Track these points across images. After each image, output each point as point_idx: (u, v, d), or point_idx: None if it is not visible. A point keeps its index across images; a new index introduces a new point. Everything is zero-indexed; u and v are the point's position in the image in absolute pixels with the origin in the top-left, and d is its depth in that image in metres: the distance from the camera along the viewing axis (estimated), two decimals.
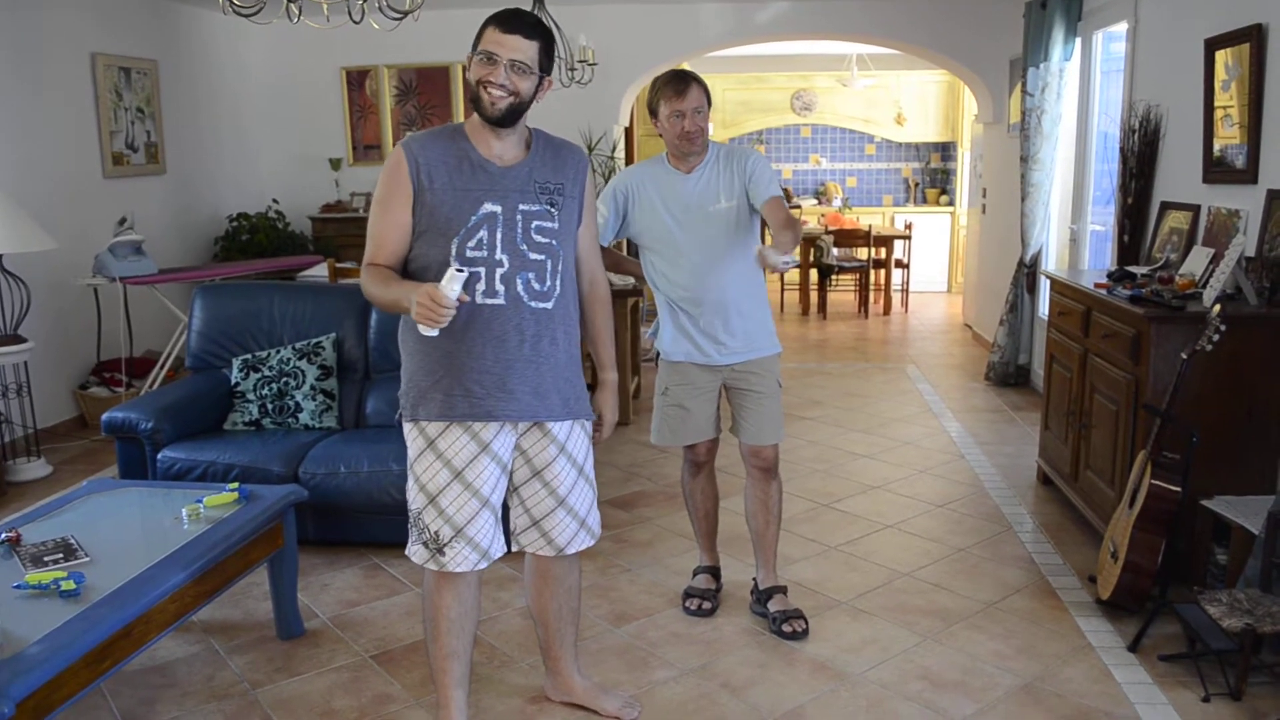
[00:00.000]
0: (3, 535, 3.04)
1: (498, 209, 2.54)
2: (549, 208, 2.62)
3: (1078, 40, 6.06)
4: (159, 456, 4.12)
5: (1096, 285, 4.18)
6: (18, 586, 2.71)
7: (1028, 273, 6.65)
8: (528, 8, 6.30)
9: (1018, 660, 3.25)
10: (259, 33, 8.29)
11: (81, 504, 3.40)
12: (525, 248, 2.57)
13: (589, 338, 2.90)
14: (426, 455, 2.59)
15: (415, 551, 2.65)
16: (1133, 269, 4.32)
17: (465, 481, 2.58)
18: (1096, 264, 5.92)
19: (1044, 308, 6.29)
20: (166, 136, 7.32)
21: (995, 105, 7.95)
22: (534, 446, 2.69)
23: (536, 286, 2.60)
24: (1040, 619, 3.52)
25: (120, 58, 6.78)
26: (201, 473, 4.03)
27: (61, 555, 2.91)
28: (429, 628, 2.75)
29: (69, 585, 2.68)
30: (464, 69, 2.64)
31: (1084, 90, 6.09)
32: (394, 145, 8.53)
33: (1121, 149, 5.07)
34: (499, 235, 2.54)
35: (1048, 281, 5.16)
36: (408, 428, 2.64)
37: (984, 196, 8.50)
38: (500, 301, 2.55)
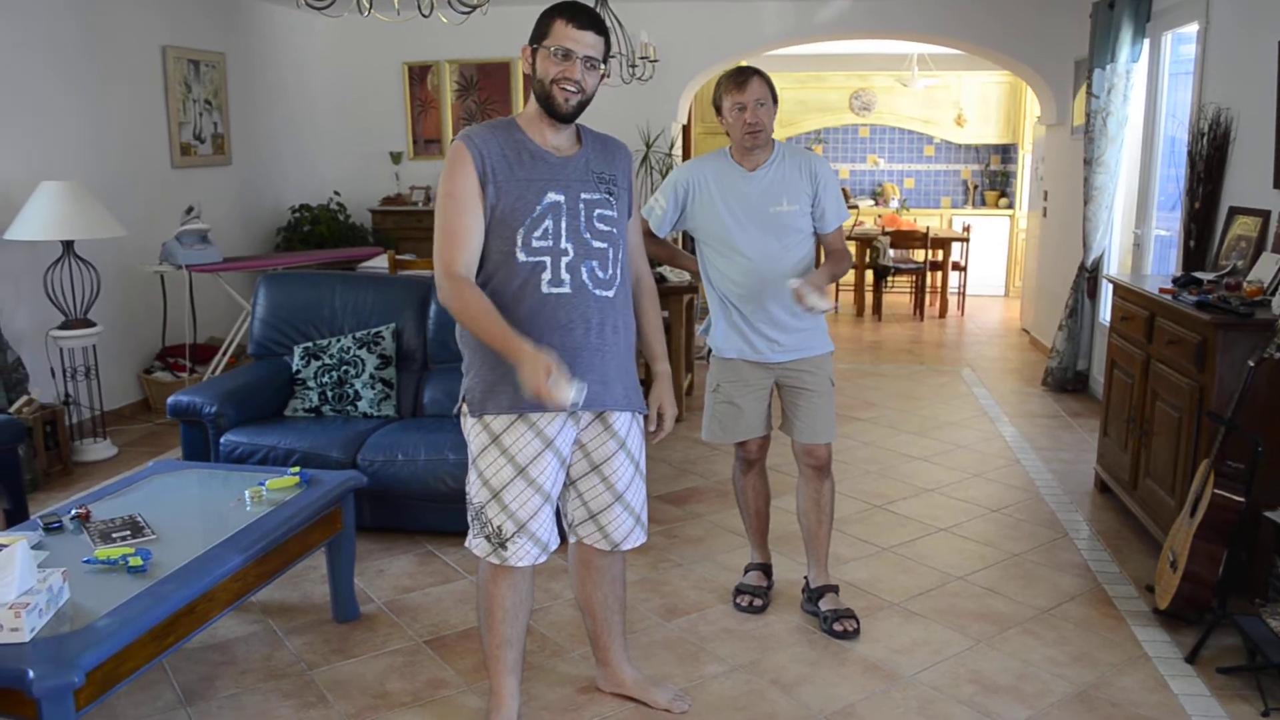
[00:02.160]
0: (73, 512, 3.13)
1: (561, 198, 2.56)
2: (608, 196, 2.64)
3: (1146, 41, 5.96)
4: (221, 440, 4.20)
5: (1161, 291, 4.12)
6: (87, 561, 2.78)
7: (1089, 277, 6.56)
8: (589, 2, 6.35)
9: (1072, 668, 3.21)
10: (323, 27, 8.42)
11: (148, 484, 3.48)
12: (589, 236, 2.59)
13: (640, 330, 2.89)
14: (490, 451, 2.60)
15: (477, 545, 2.67)
16: (1199, 275, 4.24)
17: (529, 478, 2.59)
18: (1160, 269, 5.82)
19: (1105, 313, 6.20)
20: (232, 128, 7.46)
21: (1059, 107, 7.84)
22: (594, 441, 2.71)
23: (600, 274, 2.61)
24: (1096, 627, 3.48)
25: (189, 50, 6.92)
26: (262, 457, 4.11)
27: (129, 532, 2.98)
28: (484, 616, 2.78)
29: (136, 562, 2.75)
30: (523, 60, 2.59)
31: (1151, 92, 5.98)
32: (453, 140, 8.65)
33: (1189, 152, 4.99)
34: (564, 224, 2.55)
35: (1110, 286, 5.09)
36: (471, 423, 2.64)
37: (1045, 199, 8.39)
38: (567, 290, 2.56)
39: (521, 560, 2.63)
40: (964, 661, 3.26)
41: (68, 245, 5.32)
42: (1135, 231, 6.14)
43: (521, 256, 2.53)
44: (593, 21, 2.54)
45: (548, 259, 2.54)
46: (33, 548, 2.65)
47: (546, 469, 2.61)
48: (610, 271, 2.64)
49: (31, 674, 2.23)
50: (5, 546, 2.58)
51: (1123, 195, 6.42)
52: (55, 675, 2.24)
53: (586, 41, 2.51)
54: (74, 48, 5.86)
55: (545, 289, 2.55)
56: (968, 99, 11.50)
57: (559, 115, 2.54)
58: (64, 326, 5.37)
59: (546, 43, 2.51)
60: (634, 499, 2.79)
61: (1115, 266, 6.54)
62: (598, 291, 2.61)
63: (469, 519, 2.70)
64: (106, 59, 6.14)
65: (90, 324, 5.44)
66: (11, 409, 4.96)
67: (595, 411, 2.68)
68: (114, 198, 5.89)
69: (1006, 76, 11.02)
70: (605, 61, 2.58)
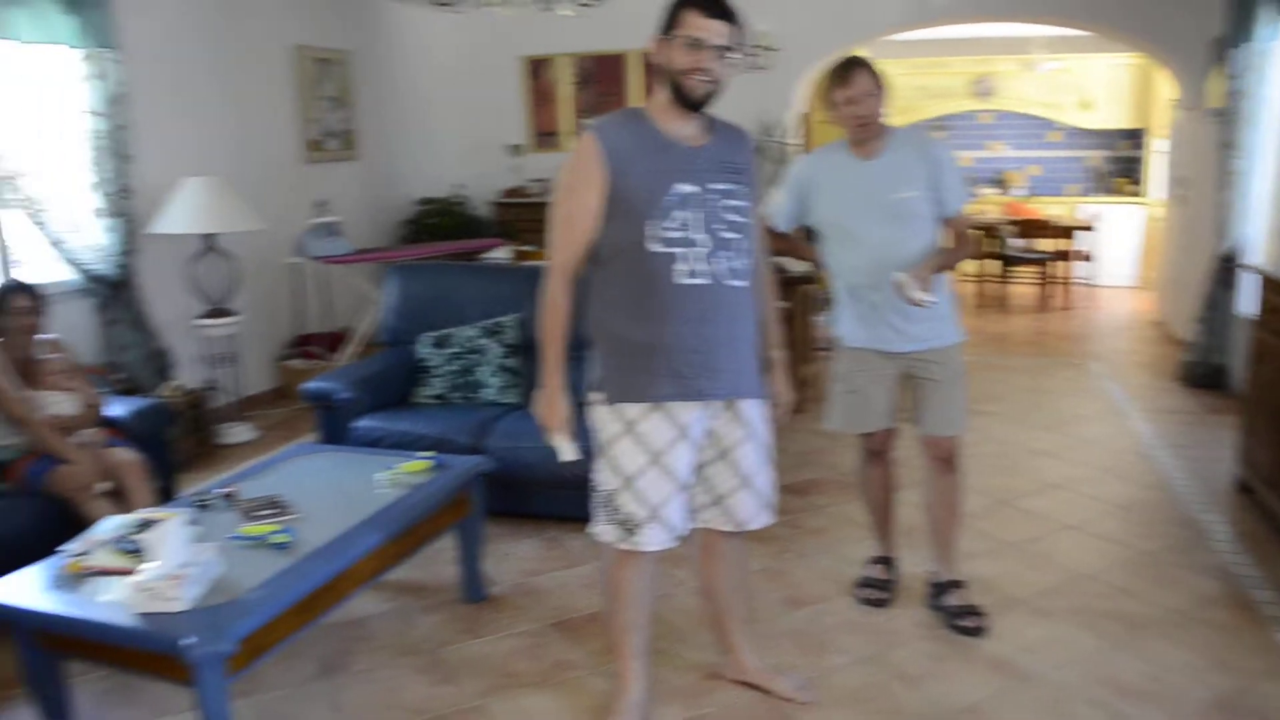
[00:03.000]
0: (221, 491, 3.29)
1: (692, 189, 2.56)
2: (737, 185, 2.64)
3: None
4: (354, 425, 4.36)
5: None
6: (235, 537, 2.93)
7: (1227, 267, 6.29)
8: None
9: (1212, 673, 3.10)
10: (445, 24, 8.59)
11: (288, 465, 3.64)
12: (720, 227, 2.59)
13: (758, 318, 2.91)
14: (624, 440, 2.63)
15: (606, 531, 2.70)
16: None
17: (662, 465, 2.62)
18: None
19: (1246, 304, 5.94)
20: (360, 125, 7.68)
21: (1193, 89, 7.52)
22: (725, 428, 2.73)
23: (733, 265, 2.62)
24: (1237, 632, 3.35)
25: (319, 50, 7.16)
26: (393, 442, 4.24)
27: (273, 511, 3.13)
28: (610, 601, 2.82)
29: (281, 539, 2.89)
30: (651, 51, 2.60)
31: None
32: (575, 132, 8.78)
33: None
34: (695, 215, 2.56)
35: (1251, 277, 4.87)
36: (602, 411, 2.67)
37: (1179, 186, 8.07)
38: (701, 281, 2.57)
39: (651, 545, 2.67)
40: (1095, 662, 3.18)
41: (209, 238, 5.57)
42: (1277, 218, 5.86)
43: (652, 247, 2.55)
44: (723, 9, 2.53)
45: (680, 250, 2.55)
46: (185, 524, 2.80)
47: (680, 457, 2.64)
48: (742, 262, 2.64)
49: (188, 641, 2.36)
50: (162, 522, 2.74)
51: (1265, 180, 6.13)
52: (210, 643, 2.38)
53: (718, 30, 2.50)
54: (212, 50, 6.12)
55: (679, 280, 2.56)
56: (1094, 82, 11.10)
57: (691, 104, 2.55)
58: (206, 315, 5.63)
59: (677, 33, 2.51)
60: (762, 483, 2.81)
61: (1256, 256, 6.26)
62: (730, 282, 2.62)
63: (594, 506, 2.73)
64: (242, 60, 6.40)
65: (230, 313, 5.69)
66: (160, 393, 5.22)
67: (726, 401, 2.69)
68: (250, 192, 6.12)
69: (1135, 58, 10.60)
70: (735, 49, 2.57)
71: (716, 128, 2.69)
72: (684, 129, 2.61)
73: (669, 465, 2.63)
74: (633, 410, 2.61)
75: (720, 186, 2.60)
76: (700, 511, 2.85)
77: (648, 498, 2.64)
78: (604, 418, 2.67)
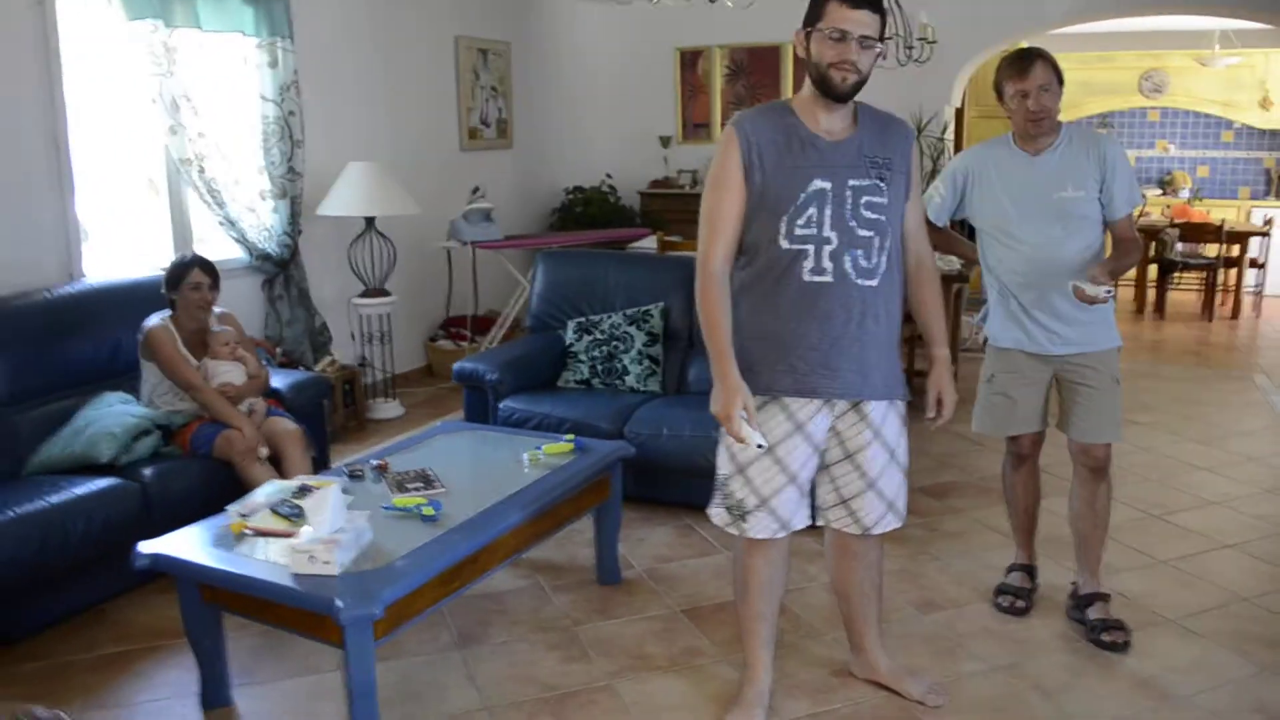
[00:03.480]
0: (373, 462, 3.44)
1: (827, 185, 2.54)
2: (879, 182, 2.59)
3: None
4: (500, 405, 4.49)
5: None
6: (386, 508, 3.06)
7: None
8: None
9: None
10: (602, 15, 8.70)
11: (436, 441, 3.78)
12: (854, 224, 2.56)
13: (920, 315, 2.86)
14: (743, 426, 2.59)
15: (717, 514, 2.77)
16: None
17: (776, 457, 2.63)
18: None
19: None
20: (515, 114, 7.87)
21: None
22: (850, 429, 2.70)
23: (864, 264, 2.59)
24: None
25: (479, 40, 7.36)
26: (537, 423, 4.35)
27: (422, 484, 3.25)
28: (739, 589, 2.85)
29: (429, 511, 3.00)
30: (796, 44, 2.57)
31: None
32: (722, 124, 8.77)
33: None
34: (828, 212, 2.54)
35: None
36: None
37: None
38: (828, 279, 2.56)
39: (759, 533, 2.71)
40: (1247, 688, 3.03)
41: (370, 221, 5.81)
42: None
43: (784, 244, 2.54)
44: (866, 2, 2.48)
45: (810, 247, 2.54)
46: (341, 492, 2.94)
47: (795, 451, 2.64)
48: (875, 260, 2.60)
49: (340, 603, 2.48)
50: (319, 489, 2.89)
51: None
52: (360, 606, 2.49)
53: (862, 21, 2.46)
54: (377, 40, 6.37)
55: (807, 277, 2.55)
56: (1275, 79, 10.48)
57: (836, 96, 2.52)
58: (364, 295, 5.88)
59: (821, 25, 2.48)
60: (887, 486, 2.76)
61: None
62: (860, 281, 2.58)
63: (715, 488, 2.78)
64: (405, 49, 6.64)
65: (386, 293, 5.92)
66: (317, 367, 5.48)
67: (851, 401, 2.67)
68: (409, 178, 6.34)
69: None
70: (882, 39, 2.52)
71: (868, 119, 2.65)
72: (829, 122, 2.58)
73: (781, 458, 2.64)
74: (751, 402, 2.56)
75: (858, 183, 2.56)
76: (826, 511, 2.84)
77: (758, 487, 2.66)
78: None
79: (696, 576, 3.79)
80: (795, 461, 2.66)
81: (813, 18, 2.51)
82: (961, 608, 3.55)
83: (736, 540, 2.80)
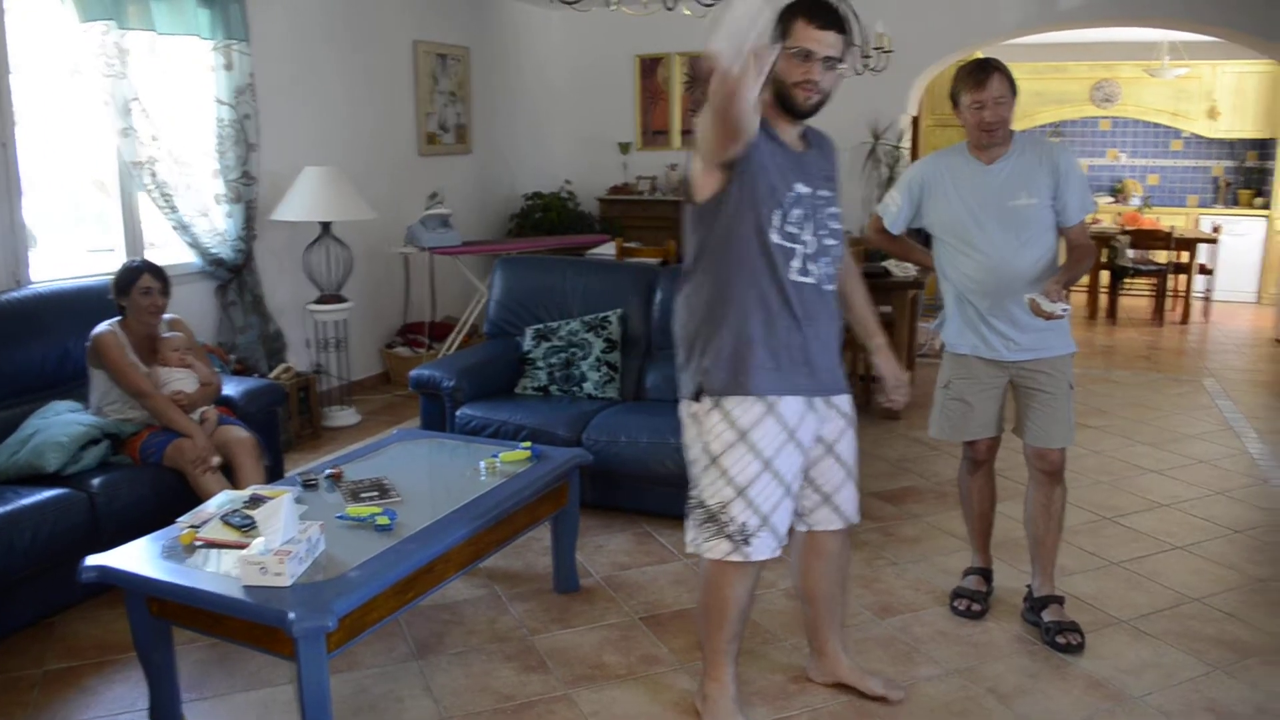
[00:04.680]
0: (327, 471, 3.40)
1: (806, 191, 2.59)
2: (834, 194, 2.68)
3: None
4: (457, 413, 4.45)
5: None
6: (340, 517, 3.02)
7: None
8: None
9: None
10: (561, 22, 8.70)
11: (392, 450, 3.74)
12: (824, 232, 2.63)
13: (853, 310, 2.96)
14: (738, 448, 2.59)
15: (714, 546, 2.64)
16: None
17: (774, 470, 2.61)
18: None
19: None
20: (474, 119, 7.83)
21: None
22: (828, 425, 2.75)
23: (828, 270, 2.66)
24: None
25: (437, 45, 7.32)
26: (494, 431, 4.32)
27: (376, 493, 3.21)
28: (714, 615, 2.76)
29: (383, 520, 2.96)
30: (757, 56, 2.57)
31: None
32: (681, 132, 8.78)
33: None
34: (806, 216, 2.58)
35: None
36: (714, 420, 2.61)
37: None
38: (810, 280, 2.60)
39: (763, 554, 2.64)
40: (1198, 688, 3.08)
41: (326, 226, 5.75)
42: None
43: (775, 238, 2.55)
44: (834, 19, 2.52)
45: (798, 247, 2.57)
46: (294, 501, 2.90)
47: (790, 460, 2.64)
48: (834, 268, 2.69)
49: (292, 615, 2.43)
50: (271, 499, 2.85)
51: None
52: (312, 618, 2.45)
53: (828, 41, 2.50)
54: (334, 44, 6.31)
55: (795, 276, 2.58)
56: (1222, 89, 10.69)
57: (797, 114, 2.56)
58: (319, 301, 5.82)
59: (787, 43, 2.51)
60: (857, 473, 2.89)
61: None
62: (826, 286, 2.66)
63: (696, 521, 2.68)
64: (363, 54, 6.58)
65: (342, 300, 5.86)
66: (272, 375, 5.41)
67: (825, 399, 2.72)
68: (366, 183, 6.30)
69: (1268, 65, 10.17)
70: (844, 59, 2.56)
71: (813, 136, 2.72)
72: (788, 135, 2.62)
73: (779, 470, 2.62)
74: (746, 416, 2.58)
75: (823, 194, 2.65)
76: (810, 514, 2.85)
77: (760, 506, 2.61)
78: (716, 428, 2.61)
79: (655, 583, 3.78)
80: (789, 472, 2.65)
81: (780, 34, 2.53)
82: (918, 612, 3.57)
83: (713, 568, 2.71)
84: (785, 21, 2.53)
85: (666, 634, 3.40)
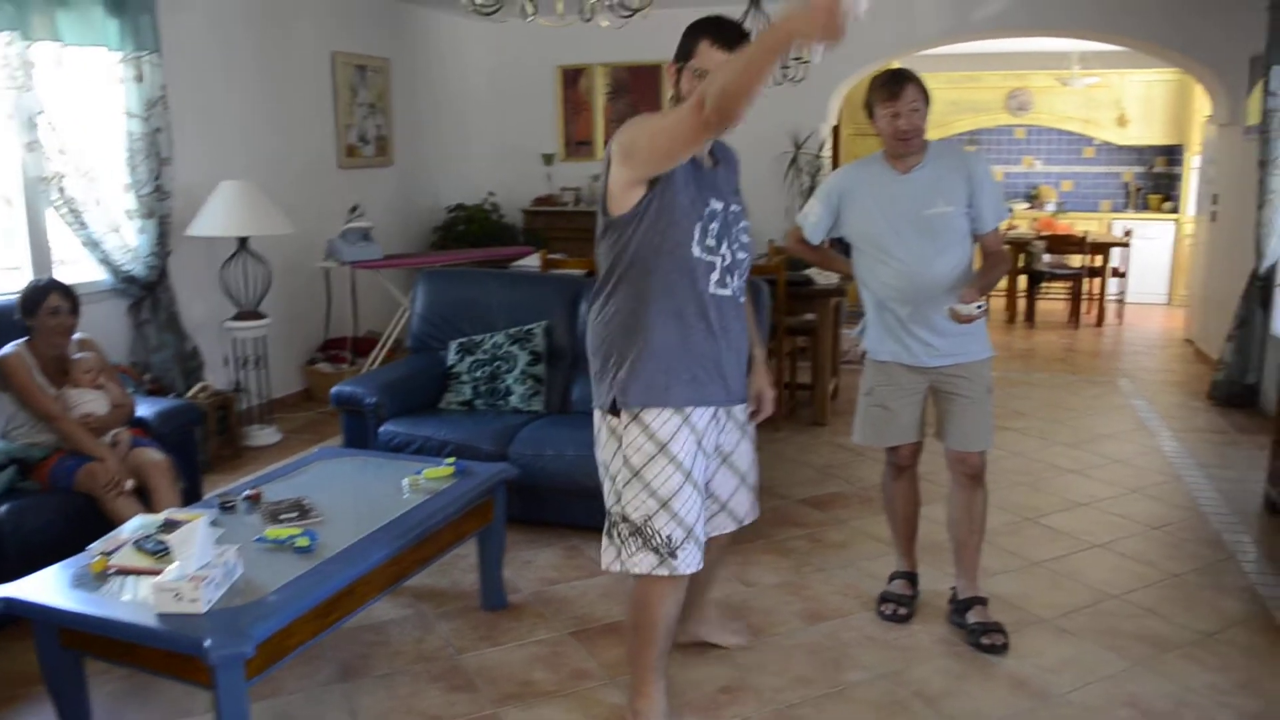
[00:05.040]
0: (245, 493, 3.32)
1: (720, 206, 2.63)
2: (743, 209, 2.75)
3: None
4: (380, 430, 4.39)
5: None
6: (258, 540, 2.95)
7: (1261, 286, 6.21)
8: (741, 8, 6.34)
9: (1237, 696, 3.06)
10: (482, 32, 8.66)
11: (313, 469, 3.66)
12: (735, 246, 2.68)
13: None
14: (658, 460, 2.60)
15: (640, 561, 2.63)
16: None
17: (693, 480, 2.63)
18: None
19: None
20: (395, 131, 7.74)
21: (1231, 105, 7.44)
22: (725, 434, 2.81)
23: (739, 282, 2.72)
24: (1263, 654, 3.31)
25: (357, 56, 7.23)
26: (418, 447, 4.26)
27: (296, 514, 3.14)
28: (642, 633, 2.75)
29: (303, 542, 2.90)
30: (669, 77, 2.61)
31: None
32: (605, 142, 8.76)
33: None
34: (722, 231, 2.62)
35: None
36: (634, 433, 2.61)
37: (1214, 203, 7.98)
38: (727, 293, 2.65)
39: (690, 567, 2.65)
40: (1119, 683, 3.14)
41: (242, 241, 5.63)
42: None
43: (696, 252, 2.57)
44: (740, 41, 2.52)
45: (717, 260, 2.61)
46: (209, 525, 2.82)
47: (702, 470, 2.69)
48: (743, 281, 2.75)
49: (208, 643, 2.37)
50: (186, 523, 2.77)
51: None
52: (229, 645, 2.39)
53: None
54: (251, 54, 6.20)
55: (712, 289, 2.61)
56: (1131, 98, 11.02)
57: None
58: (237, 318, 5.69)
59: (692, 63, 2.53)
60: (752, 477, 2.97)
61: None
62: (740, 298, 2.73)
63: (620, 536, 2.66)
64: (281, 65, 6.47)
65: (261, 316, 5.74)
66: (189, 394, 5.28)
67: (726, 407, 2.77)
68: (284, 197, 6.18)
69: (1173, 74, 10.51)
70: None
71: (718, 151, 2.75)
72: (699, 152, 2.62)
73: (697, 479, 2.66)
74: (664, 429, 2.59)
75: (735, 209, 2.70)
76: (709, 522, 2.87)
77: (683, 518, 2.62)
78: (635, 441, 2.61)
79: (584, 598, 3.75)
80: (702, 479, 2.69)
81: (684, 54, 2.55)
82: (846, 617, 3.60)
83: (640, 585, 2.71)
84: (691, 41, 2.54)
85: (596, 648, 3.37)
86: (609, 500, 2.71)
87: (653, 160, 2.42)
